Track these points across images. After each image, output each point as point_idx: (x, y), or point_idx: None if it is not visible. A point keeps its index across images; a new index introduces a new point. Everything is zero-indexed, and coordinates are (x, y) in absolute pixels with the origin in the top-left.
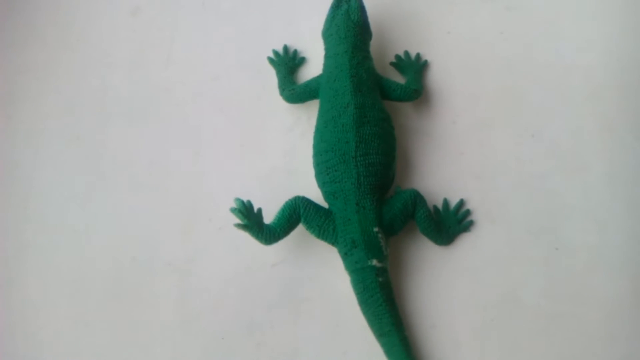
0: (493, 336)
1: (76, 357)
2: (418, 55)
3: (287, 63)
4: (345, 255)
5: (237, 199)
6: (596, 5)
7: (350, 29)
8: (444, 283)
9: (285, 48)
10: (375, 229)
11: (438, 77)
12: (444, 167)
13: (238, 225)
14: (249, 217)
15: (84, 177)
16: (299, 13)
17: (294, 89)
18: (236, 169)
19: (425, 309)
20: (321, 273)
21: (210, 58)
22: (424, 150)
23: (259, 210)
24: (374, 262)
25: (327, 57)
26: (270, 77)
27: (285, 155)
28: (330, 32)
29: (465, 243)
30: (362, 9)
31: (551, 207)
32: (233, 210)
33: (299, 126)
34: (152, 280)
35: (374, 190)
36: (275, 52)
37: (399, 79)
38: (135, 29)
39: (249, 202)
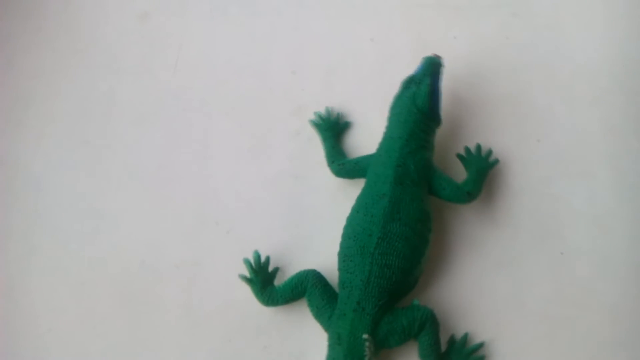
0: (497, 340)
1: (83, 358)
2: (489, 153)
3: (333, 128)
4: (329, 347)
5: (256, 252)
6: (601, 10)
7: (411, 115)
8: (448, 287)
9: (328, 110)
10: (365, 336)
11: (444, 82)
12: (449, 171)
13: (242, 277)
14: (257, 273)
15: (92, 181)
16: (303, 18)
17: (343, 164)
18: (243, 172)
19: None
20: (327, 275)
21: (217, 63)
22: None
23: (275, 269)
24: None
25: (384, 137)
26: (277, 82)
27: (292, 160)
28: (393, 112)
29: (470, 247)
30: (432, 95)
31: (556, 211)
32: (246, 261)
33: (306, 130)
34: (160, 283)
35: (382, 294)
36: (319, 115)
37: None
38: (143, 35)
39: (267, 259)
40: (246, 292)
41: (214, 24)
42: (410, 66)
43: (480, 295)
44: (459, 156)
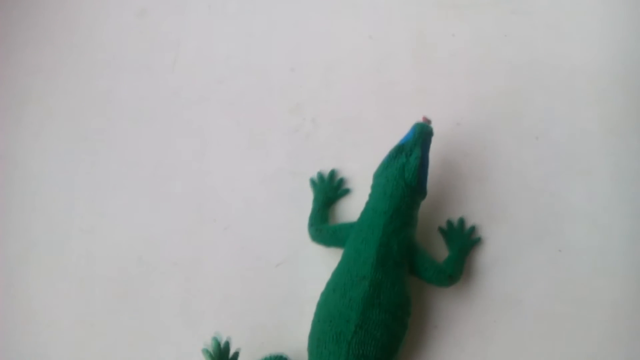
0: (496, 338)
1: (81, 356)
2: (472, 229)
3: (327, 192)
4: None
5: (214, 339)
6: (601, 8)
7: (399, 189)
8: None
9: (332, 174)
10: None
11: (442, 79)
12: (447, 168)
13: None
14: None
15: (90, 178)
16: (302, 15)
17: (321, 229)
18: (241, 170)
19: (428, 309)
20: (325, 273)
21: (216, 60)
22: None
23: (236, 354)
24: None
25: (367, 206)
26: (275, 79)
27: (290, 157)
28: (378, 181)
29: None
30: (421, 167)
31: (555, 209)
32: (204, 351)
33: (304, 128)
34: (158, 280)
35: None
36: (320, 176)
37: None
38: (141, 32)
39: (226, 344)
40: (243, 289)
41: (213, 20)
42: (409, 65)
43: (479, 291)
44: (441, 230)
